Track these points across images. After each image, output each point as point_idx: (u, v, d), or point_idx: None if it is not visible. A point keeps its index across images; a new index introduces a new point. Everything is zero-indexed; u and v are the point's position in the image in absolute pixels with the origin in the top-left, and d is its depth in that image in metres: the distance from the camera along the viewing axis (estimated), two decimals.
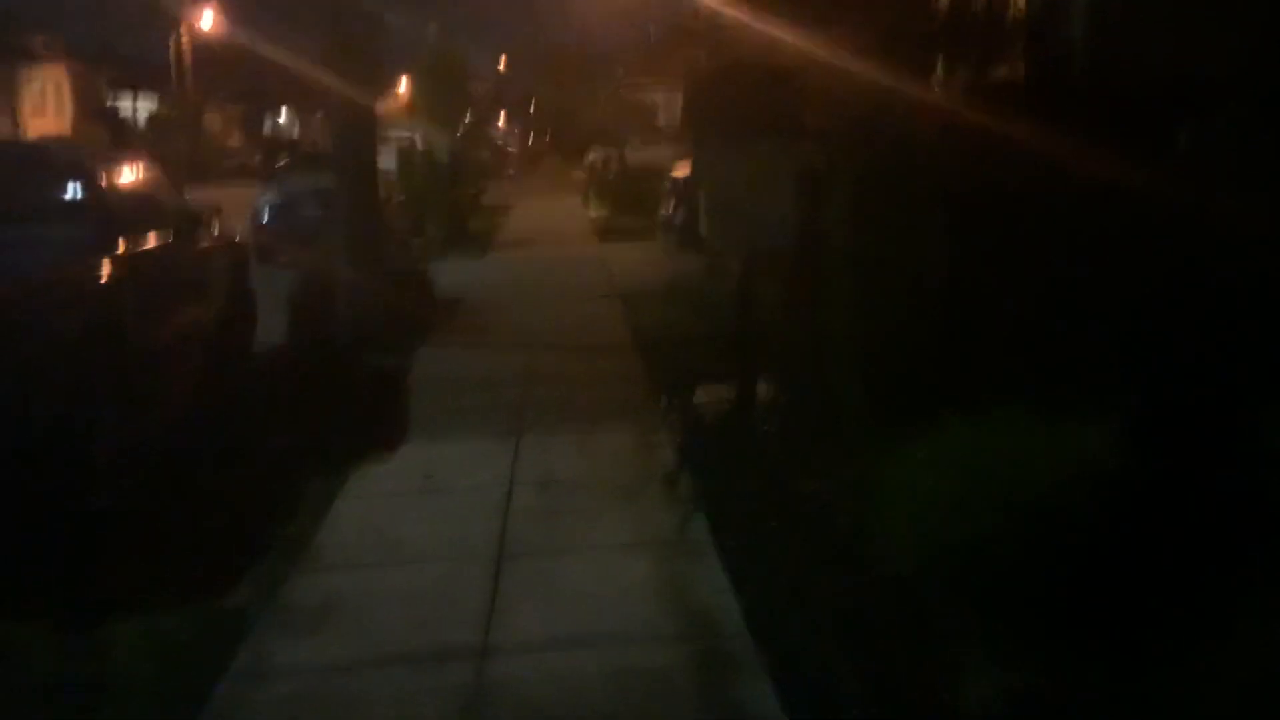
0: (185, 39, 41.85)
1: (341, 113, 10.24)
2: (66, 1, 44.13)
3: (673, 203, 15.67)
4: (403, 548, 5.12)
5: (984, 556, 3.38)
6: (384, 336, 9.47)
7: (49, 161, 7.70)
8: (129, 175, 7.72)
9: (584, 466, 6.17)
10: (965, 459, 3.67)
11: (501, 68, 60.05)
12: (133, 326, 6.46)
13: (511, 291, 12.95)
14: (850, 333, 5.24)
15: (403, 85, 33.91)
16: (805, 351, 5.83)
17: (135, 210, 7.36)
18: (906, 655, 3.62)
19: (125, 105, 48.14)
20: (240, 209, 15.70)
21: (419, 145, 20.07)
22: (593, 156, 33.86)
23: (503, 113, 62.40)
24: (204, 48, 44.28)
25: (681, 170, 15.62)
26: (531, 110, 59.52)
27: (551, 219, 22.92)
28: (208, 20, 44.17)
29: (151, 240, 7.30)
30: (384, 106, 24.63)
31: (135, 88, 47.75)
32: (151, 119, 47.43)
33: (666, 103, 39.47)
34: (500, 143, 53.69)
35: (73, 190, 6.99)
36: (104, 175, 7.21)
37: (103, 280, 6.34)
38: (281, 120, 61.08)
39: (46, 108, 42.76)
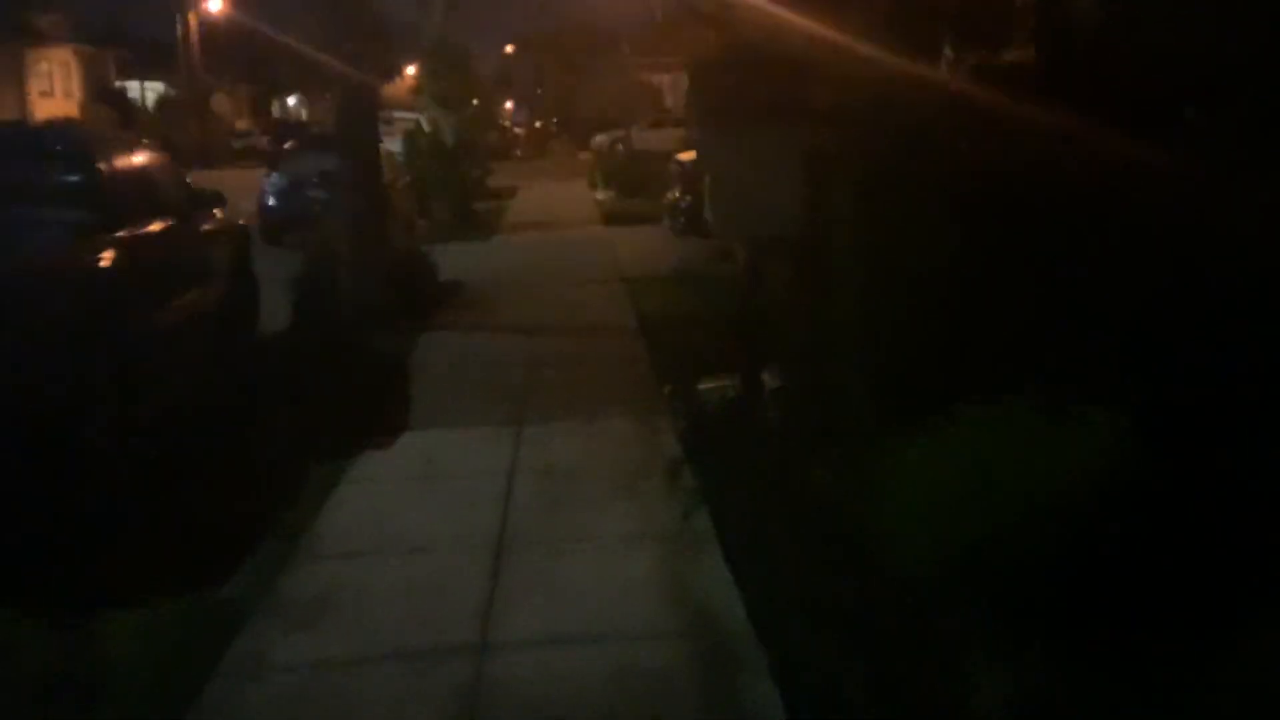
0: (194, 21, 41.73)
1: (347, 95, 10.18)
2: None
3: (678, 187, 15.55)
4: (402, 537, 5.05)
5: (990, 554, 3.31)
6: (387, 319, 9.42)
7: (51, 144, 7.65)
8: (132, 158, 7.68)
9: (587, 454, 6.11)
10: (973, 453, 3.59)
11: (508, 49, 59.93)
12: (131, 310, 6.43)
13: (516, 275, 12.88)
14: (857, 320, 5.15)
15: (410, 68, 33.81)
16: (811, 339, 5.74)
17: (137, 193, 7.32)
18: (912, 654, 3.55)
19: (134, 87, 48.09)
20: (248, 191, 15.68)
21: (425, 128, 20.00)
22: (599, 139, 33.76)
23: (510, 95, 62.29)
24: (212, 30, 44.23)
25: (687, 154, 15.49)
26: (538, 92, 59.41)
27: (557, 202, 22.86)
28: (216, 2, 44.11)
29: (153, 224, 7.26)
30: (391, 89, 24.57)
31: (143, 70, 47.68)
32: (160, 101, 47.40)
33: (673, 84, 39.29)
34: (507, 125, 53.62)
35: (74, 173, 6.93)
36: (106, 158, 7.16)
37: (101, 264, 6.29)
38: (290, 103, 61.08)
39: (55, 89, 42.74)
